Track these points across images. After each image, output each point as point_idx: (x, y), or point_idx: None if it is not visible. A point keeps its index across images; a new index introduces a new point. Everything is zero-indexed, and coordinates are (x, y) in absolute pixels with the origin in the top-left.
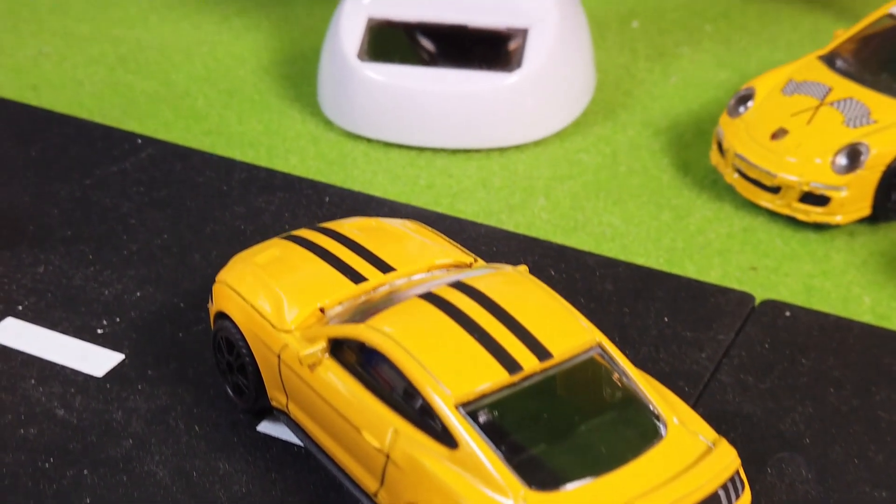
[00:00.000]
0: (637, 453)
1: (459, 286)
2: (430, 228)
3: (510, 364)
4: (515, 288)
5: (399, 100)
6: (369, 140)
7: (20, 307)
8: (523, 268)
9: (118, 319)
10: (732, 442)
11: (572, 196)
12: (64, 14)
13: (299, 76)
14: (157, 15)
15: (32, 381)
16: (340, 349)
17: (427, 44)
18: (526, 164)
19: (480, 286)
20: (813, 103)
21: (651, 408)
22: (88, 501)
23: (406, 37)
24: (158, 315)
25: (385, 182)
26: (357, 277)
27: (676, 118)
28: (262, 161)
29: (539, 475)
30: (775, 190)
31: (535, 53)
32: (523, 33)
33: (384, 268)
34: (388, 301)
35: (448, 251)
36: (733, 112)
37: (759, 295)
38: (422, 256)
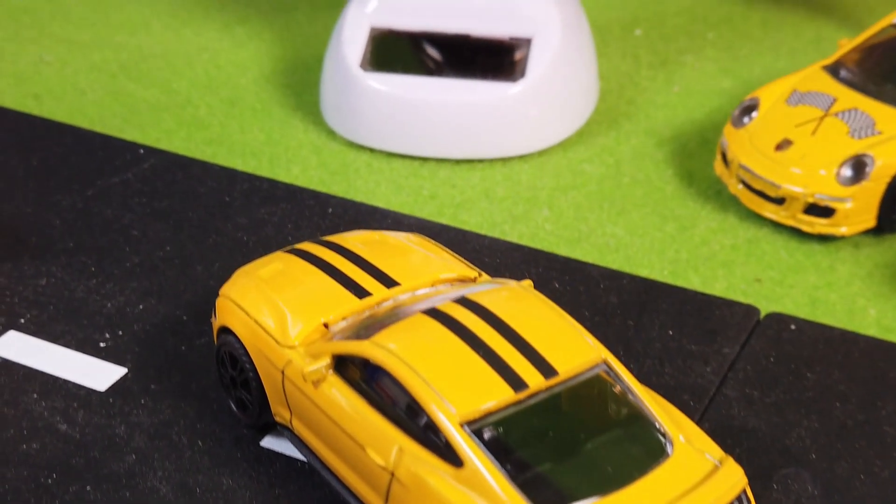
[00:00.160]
0: (643, 472)
1: (464, 302)
2: (433, 242)
3: (515, 382)
4: (520, 304)
5: (402, 110)
6: (372, 150)
7: (22, 320)
8: (528, 283)
9: (121, 332)
10: (738, 457)
11: (576, 207)
12: (65, 20)
13: (301, 85)
14: (159, 21)
15: (35, 396)
16: (344, 365)
17: (430, 53)
18: (529, 175)
19: (485, 302)
20: (817, 114)
21: (657, 426)
22: None
23: (409, 46)
24: (161, 328)
25: (388, 192)
26: (361, 292)
27: (680, 127)
28: (265, 171)
29: (545, 494)
30: (780, 201)
31: (538, 63)
32: (526, 42)
33: (388, 282)
34: (392, 316)
35: (452, 265)
36: (737, 122)
37: (764, 307)
38: (426, 271)
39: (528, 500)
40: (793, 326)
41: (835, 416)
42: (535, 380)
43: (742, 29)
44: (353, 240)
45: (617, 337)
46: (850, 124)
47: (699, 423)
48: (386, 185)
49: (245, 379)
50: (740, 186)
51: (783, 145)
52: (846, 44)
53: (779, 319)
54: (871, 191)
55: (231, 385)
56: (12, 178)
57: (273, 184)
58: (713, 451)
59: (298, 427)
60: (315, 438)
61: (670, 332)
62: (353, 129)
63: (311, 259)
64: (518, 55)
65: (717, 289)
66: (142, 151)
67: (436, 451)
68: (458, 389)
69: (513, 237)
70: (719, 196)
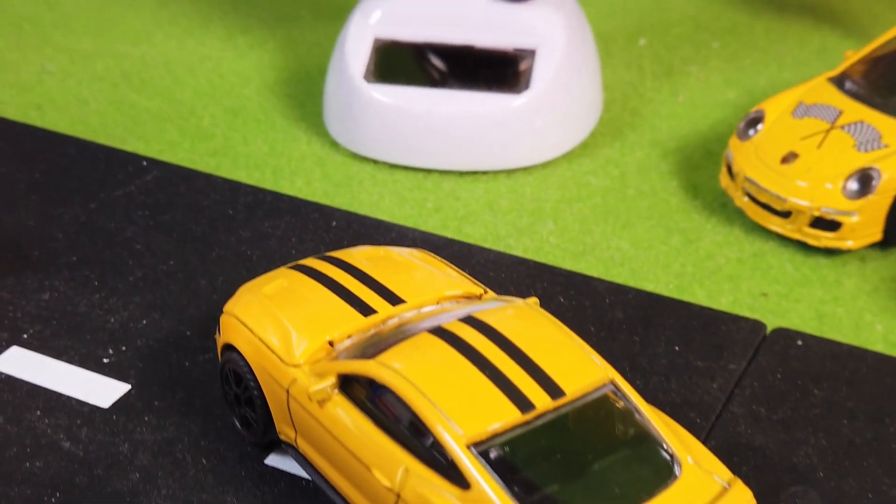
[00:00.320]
0: (651, 494)
1: (470, 321)
2: (437, 257)
3: (522, 403)
4: (527, 323)
5: (406, 121)
6: (376, 161)
7: (25, 335)
8: (534, 300)
9: (124, 348)
10: (745, 475)
11: (581, 219)
12: (67, 29)
13: (304, 95)
14: (162, 31)
15: (38, 413)
16: (350, 385)
17: (434, 64)
18: (533, 187)
19: (491, 321)
20: (823, 127)
21: (665, 447)
22: None
23: (413, 57)
24: (165, 343)
25: (392, 205)
26: (366, 310)
27: (685, 139)
28: (268, 183)
29: None
30: (786, 214)
31: (543, 74)
32: (531, 54)
33: (393, 300)
34: (397, 334)
35: (457, 282)
36: (743, 135)
37: (771, 322)
38: (431, 288)
39: None
40: (799, 342)
41: (842, 433)
42: (542, 400)
43: (746, 38)
44: (358, 256)
45: (623, 353)
46: (856, 137)
47: (706, 440)
48: (390, 198)
49: (249, 397)
50: (746, 199)
51: (789, 158)
52: (852, 55)
53: (785, 335)
54: (878, 204)
55: (235, 403)
56: (15, 191)
57: (277, 196)
58: (721, 472)
59: (303, 446)
60: (320, 457)
61: (676, 348)
62: (356, 140)
63: (316, 276)
64: (522, 66)
65: (723, 303)
66: (145, 163)
67: (442, 472)
68: (465, 410)
69: (517, 251)
70: (724, 209)
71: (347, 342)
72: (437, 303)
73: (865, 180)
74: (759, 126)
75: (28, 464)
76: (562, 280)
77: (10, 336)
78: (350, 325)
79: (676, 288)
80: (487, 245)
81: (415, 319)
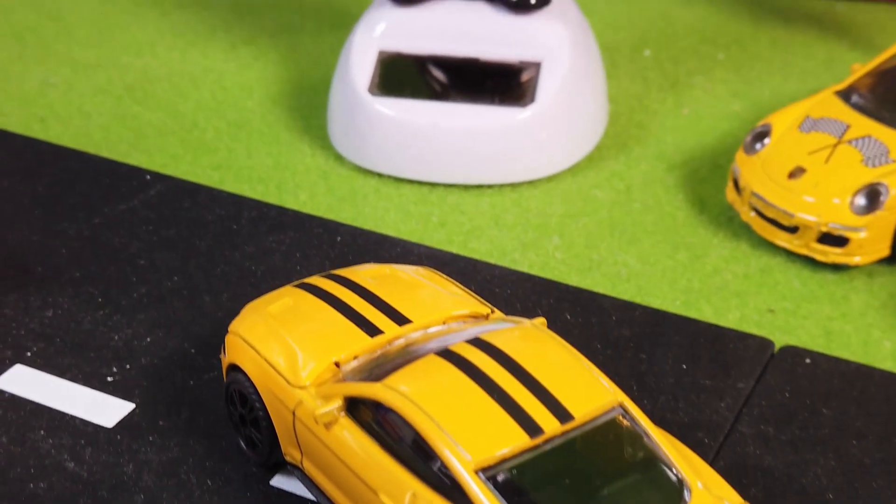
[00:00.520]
0: None
1: (477, 343)
2: (443, 276)
3: (531, 427)
4: (534, 345)
5: (411, 135)
6: (380, 175)
7: (28, 353)
8: (541, 321)
9: (128, 366)
10: (754, 497)
11: (587, 234)
12: (70, 40)
13: (308, 108)
14: (164, 42)
15: (42, 433)
16: (356, 407)
17: (439, 77)
18: (539, 201)
19: (499, 343)
20: (831, 141)
21: (674, 471)
22: None
23: (417, 70)
24: (169, 361)
25: (397, 219)
26: (372, 330)
27: (690, 152)
28: (272, 197)
29: None
30: (793, 230)
31: (548, 87)
32: (536, 66)
33: (400, 319)
34: (404, 355)
35: (464, 301)
36: (750, 149)
37: (778, 338)
38: (438, 307)
39: None
40: (808, 360)
41: (852, 453)
42: (550, 425)
43: (752, 49)
44: (364, 274)
45: (630, 371)
46: (863, 152)
47: (714, 461)
48: (395, 212)
49: (255, 417)
50: (753, 214)
51: (796, 173)
52: (859, 68)
53: (793, 353)
54: (886, 220)
55: (240, 423)
56: (18, 205)
57: (281, 211)
58: (732, 497)
59: (309, 468)
60: (326, 480)
61: (684, 366)
62: (361, 153)
63: (321, 295)
64: (527, 79)
65: (730, 319)
66: (148, 177)
67: (449, 496)
68: (473, 435)
69: (523, 266)
70: (731, 223)
71: (354, 363)
72: (444, 323)
73: (873, 196)
74: (766, 140)
75: (32, 485)
76: (568, 297)
77: (13, 354)
78: (356, 345)
79: (683, 304)
80: (493, 260)
81: (421, 340)
